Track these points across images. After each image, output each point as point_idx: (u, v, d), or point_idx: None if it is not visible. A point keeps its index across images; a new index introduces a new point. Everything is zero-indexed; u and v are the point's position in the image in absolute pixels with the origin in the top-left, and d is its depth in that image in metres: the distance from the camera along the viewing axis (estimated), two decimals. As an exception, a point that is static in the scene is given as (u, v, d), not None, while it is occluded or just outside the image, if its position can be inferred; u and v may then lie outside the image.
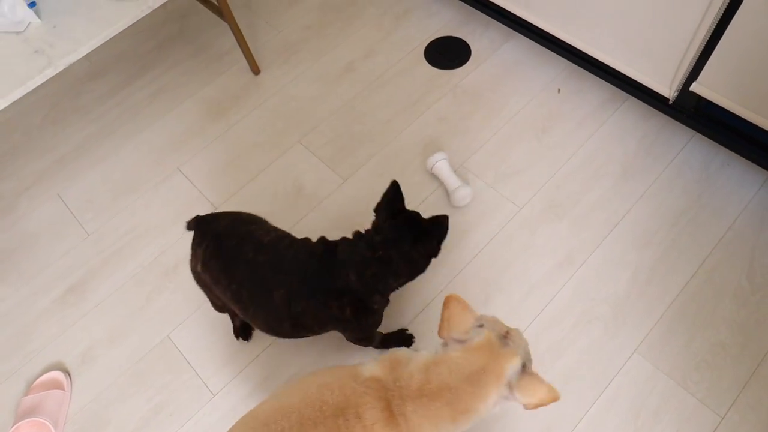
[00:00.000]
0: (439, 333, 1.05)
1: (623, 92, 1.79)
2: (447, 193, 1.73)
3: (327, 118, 1.96)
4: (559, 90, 1.90)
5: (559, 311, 1.54)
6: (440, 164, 1.73)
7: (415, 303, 1.59)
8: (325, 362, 1.53)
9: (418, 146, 1.85)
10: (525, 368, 0.98)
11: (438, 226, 1.24)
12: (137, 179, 1.92)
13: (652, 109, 1.72)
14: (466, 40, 2.06)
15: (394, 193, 1.26)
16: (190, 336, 1.61)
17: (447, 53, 2.03)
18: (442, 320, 1.04)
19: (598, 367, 1.46)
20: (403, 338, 1.53)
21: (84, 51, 1.57)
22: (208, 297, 1.40)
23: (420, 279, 1.65)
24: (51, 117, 2.10)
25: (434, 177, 1.77)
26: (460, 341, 1.01)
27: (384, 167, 1.83)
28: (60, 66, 1.54)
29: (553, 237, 1.65)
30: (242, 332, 1.58)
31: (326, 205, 1.77)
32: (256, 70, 2.07)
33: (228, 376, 1.54)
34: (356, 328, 1.32)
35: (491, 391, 0.96)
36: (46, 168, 1.98)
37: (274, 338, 1.57)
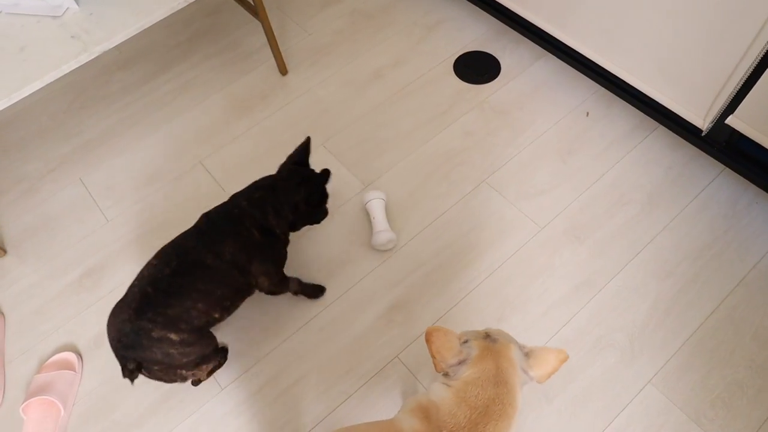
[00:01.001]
0: (437, 369, 1.06)
1: (653, 120, 1.77)
2: (371, 233, 1.71)
3: (352, 122, 1.96)
4: (587, 113, 1.89)
5: (575, 335, 1.52)
6: (374, 203, 1.72)
7: (434, 311, 1.58)
8: (336, 364, 1.52)
9: (442, 158, 1.85)
10: (521, 348, 1.05)
11: (322, 176, 1.52)
12: (159, 170, 1.93)
13: (682, 139, 1.71)
14: (496, 56, 2.05)
15: (304, 147, 1.52)
16: (201, 331, 1.61)
17: (476, 67, 2.02)
18: (433, 356, 1.05)
19: (610, 394, 1.44)
20: (318, 288, 1.65)
21: (119, 39, 1.59)
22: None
23: (437, 290, 1.64)
24: (78, 103, 2.12)
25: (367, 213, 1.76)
26: (461, 362, 1.02)
27: (406, 176, 1.82)
28: (95, 53, 1.55)
29: (573, 259, 1.63)
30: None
31: (346, 209, 1.77)
32: (284, 70, 2.07)
33: (238, 372, 1.54)
34: (269, 256, 1.46)
35: (516, 383, 1.00)
36: (70, 152, 2.00)
37: (286, 335, 1.57)
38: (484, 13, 2.08)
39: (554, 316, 1.55)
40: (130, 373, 1.29)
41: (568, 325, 1.54)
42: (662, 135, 1.82)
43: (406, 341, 1.54)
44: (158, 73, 2.16)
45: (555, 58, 1.95)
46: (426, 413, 1.00)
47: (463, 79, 2.00)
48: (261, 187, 1.46)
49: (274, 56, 2.03)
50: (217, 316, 1.40)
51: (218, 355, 1.50)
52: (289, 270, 1.60)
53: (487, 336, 1.06)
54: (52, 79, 1.51)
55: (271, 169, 1.89)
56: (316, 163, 1.92)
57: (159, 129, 2.02)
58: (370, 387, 1.50)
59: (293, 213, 1.47)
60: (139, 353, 1.29)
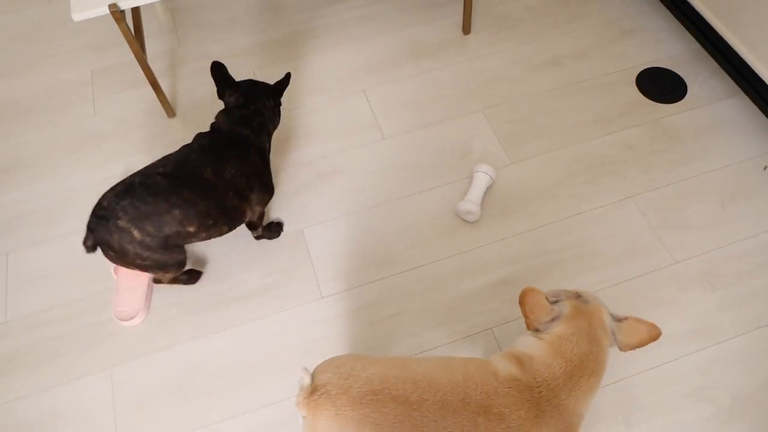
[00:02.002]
0: (528, 327, 1.10)
1: (837, 196, 1.63)
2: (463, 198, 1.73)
3: (516, 99, 1.96)
4: (766, 167, 1.76)
5: (676, 376, 1.47)
6: (480, 175, 1.73)
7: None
8: (432, 314, 1.57)
9: (596, 161, 1.81)
10: (612, 314, 1.08)
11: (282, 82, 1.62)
12: (322, 85, 2.03)
13: None
14: (686, 80, 1.95)
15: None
16: (322, 238, 1.71)
17: (660, 85, 1.94)
18: (525, 316, 1.09)
19: (693, 447, 1.39)
20: (274, 227, 1.72)
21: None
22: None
23: (552, 281, 1.64)
24: (270, 3, 2.27)
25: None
26: (553, 320, 1.07)
27: (554, 166, 1.81)
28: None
29: (700, 305, 1.56)
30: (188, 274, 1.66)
31: (469, 176, 1.78)
32: (467, 29, 2.10)
33: (341, 287, 1.63)
34: (267, 183, 1.54)
35: (606, 343, 1.04)
36: (252, 45, 2.15)
37: (394, 272, 1.64)
38: (687, 32, 1.98)
39: (661, 350, 1.50)
40: (87, 247, 1.38)
41: (671, 364, 1.48)
42: (841, 215, 1.68)
43: (504, 317, 1.56)
44: (348, -1, 2.26)
45: (749, 99, 1.83)
46: (519, 361, 1.04)
47: (642, 92, 1.93)
48: (256, 112, 1.53)
49: (464, 13, 2.05)
50: (191, 230, 1.41)
51: (181, 270, 1.54)
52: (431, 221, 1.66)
53: (579, 296, 1.09)
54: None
55: (427, 119, 1.96)
56: (471, 127, 1.95)
57: (334, 49, 2.12)
58: (456, 347, 1.54)
59: (272, 124, 1.58)
60: (100, 233, 1.35)
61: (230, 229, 1.53)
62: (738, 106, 1.90)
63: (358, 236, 1.72)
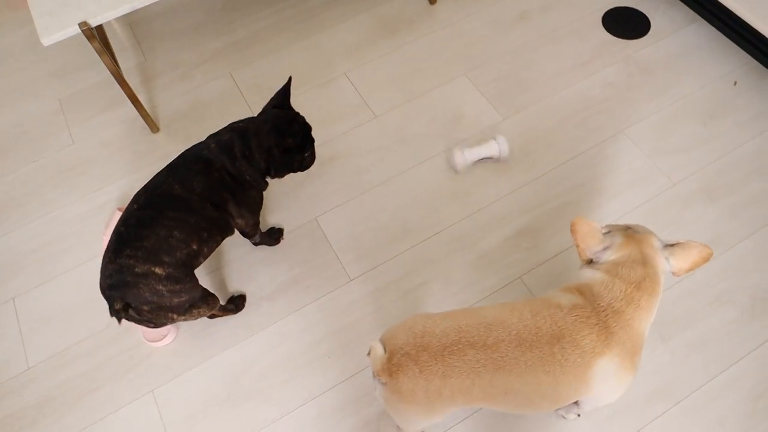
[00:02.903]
0: (581, 257, 1.13)
1: (804, 98, 1.77)
2: (495, 158, 1.76)
3: (495, 58, 2.01)
4: (735, 83, 1.88)
5: (698, 287, 1.56)
6: (491, 143, 1.75)
7: (559, 242, 1.64)
8: (460, 275, 1.61)
9: (582, 104, 1.88)
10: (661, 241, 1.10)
11: (301, 122, 1.46)
12: (305, 75, 2.03)
13: (835, 118, 1.70)
14: (648, 15, 2.05)
15: (285, 89, 1.47)
16: (337, 223, 1.72)
17: (625, 23, 2.03)
18: (577, 246, 1.12)
19: (726, 345, 1.48)
20: (275, 234, 1.70)
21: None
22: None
23: (564, 224, 1.69)
24: (232, 3, 2.23)
25: (479, 163, 1.79)
26: (605, 249, 1.10)
27: (545, 116, 1.87)
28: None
29: (703, 218, 1.66)
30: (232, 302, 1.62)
31: (483, 138, 1.83)
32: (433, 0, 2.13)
33: (366, 267, 1.65)
34: (242, 201, 1.45)
35: (660, 266, 1.07)
36: (222, 48, 2.12)
37: (415, 242, 1.66)
38: (639, -29, 2.07)
39: (679, 267, 1.59)
40: (116, 312, 1.27)
41: (690, 277, 1.57)
42: (811, 115, 1.81)
43: (530, 265, 1.62)
44: (308, -13, 2.25)
45: (708, 24, 1.94)
46: (580, 291, 1.08)
47: (610, 32, 2.01)
48: (233, 130, 1.42)
49: (427, -16, 2.09)
50: (195, 247, 1.36)
51: (208, 300, 1.43)
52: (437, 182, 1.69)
53: (628, 228, 1.13)
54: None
55: (413, 91, 1.99)
56: (458, 92, 2.01)
57: (307, 37, 2.11)
58: (490, 301, 1.59)
59: (266, 160, 1.42)
60: (125, 292, 1.26)
61: (223, 239, 1.48)
62: (699, 31, 2.01)
63: (372, 215, 1.73)
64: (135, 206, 1.33)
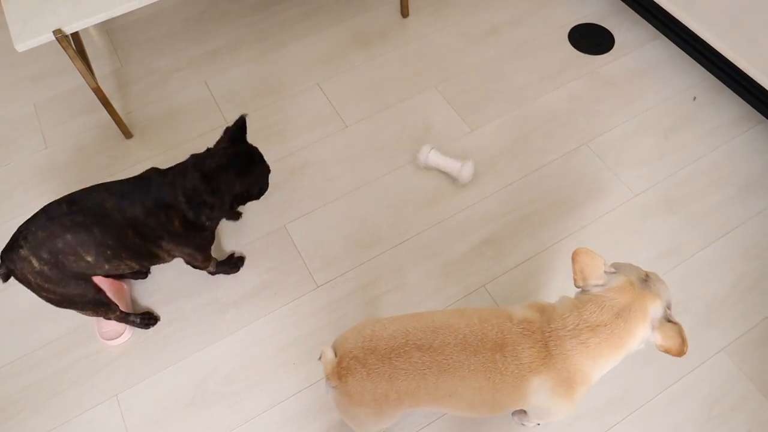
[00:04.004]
0: (575, 284, 1.10)
1: (760, 114, 1.83)
2: (453, 177, 1.78)
3: (464, 71, 2.06)
4: (695, 98, 1.94)
5: (655, 296, 1.60)
6: (432, 154, 1.78)
7: (523, 252, 1.67)
8: (426, 282, 1.64)
9: (548, 116, 1.93)
10: (667, 310, 1.03)
11: (261, 176, 1.48)
12: (278, 84, 2.06)
13: (789, 134, 1.76)
14: (612, 31, 2.12)
15: (241, 124, 1.45)
16: (306, 230, 1.74)
17: (590, 39, 2.09)
18: (575, 272, 1.08)
19: (682, 354, 1.52)
20: (234, 261, 1.68)
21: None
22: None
23: (528, 234, 1.72)
24: (209, 13, 2.27)
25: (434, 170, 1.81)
26: (598, 285, 1.06)
27: (512, 127, 1.91)
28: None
29: (664, 228, 1.70)
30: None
31: (451, 148, 1.87)
32: (405, 13, 2.18)
33: (334, 274, 1.67)
34: (187, 244, 1.43)
35: (639, 328, 1.01)
36: (198, 56, 2.14)
37: (382, 250, 1.69)
38: (606, -11, 2.14)
39: (638, 276, 1.63)
40: (1, 276, 1.30)
41: (649, 286, 1.62)
42: (767, 130, 1.88)
43: (495, 273, 1.65)
44: (285, -2, 2.29)
45: (669, 42, 2.01)
46: (541, 309, 1.10)
47: (576, 48, 2.07)
48: (197, 174, 1.35)
49: (400, -2, 2.14)
50: (89, 260, 1.32)
51: (98, 309, 1.43)
52: (392, 198, 1.72)
53: (647, 279, 1.07)
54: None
55: (384, 102, 2.03)
56: (427, 103, 2.05)
57: (282, 48, 2.15)
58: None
59: (230, 205, 1.42)
60: (8, 263, 1.28)
61: (143, 266, 1.44)
62: (661, 47, 2.08)
63: (341, 222, 1.76)
64: (65, 197, 1.32)
